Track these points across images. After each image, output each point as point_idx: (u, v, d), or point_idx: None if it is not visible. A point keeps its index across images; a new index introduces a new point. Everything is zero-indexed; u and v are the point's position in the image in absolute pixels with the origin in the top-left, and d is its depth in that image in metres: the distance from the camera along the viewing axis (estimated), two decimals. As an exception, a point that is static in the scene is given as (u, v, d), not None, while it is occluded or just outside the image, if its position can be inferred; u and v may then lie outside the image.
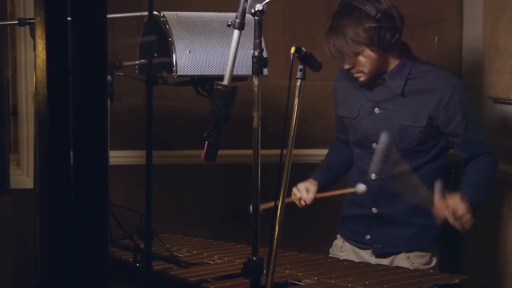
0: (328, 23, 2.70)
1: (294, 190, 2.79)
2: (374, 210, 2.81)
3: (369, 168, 2.78)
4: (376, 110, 2.77)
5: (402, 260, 2.77)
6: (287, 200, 2.56)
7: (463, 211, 2.56)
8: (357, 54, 2.66)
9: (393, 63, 2.73)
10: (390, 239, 2.77)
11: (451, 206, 2.56)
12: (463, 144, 2.73)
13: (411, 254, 2.77)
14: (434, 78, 2.72)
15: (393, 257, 2.79)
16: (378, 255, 2.80)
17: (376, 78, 2.74)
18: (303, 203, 2.77)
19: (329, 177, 2.94)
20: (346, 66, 2.70)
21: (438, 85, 2.70)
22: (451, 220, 2.57)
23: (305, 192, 2.78)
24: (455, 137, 2.73)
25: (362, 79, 2.73)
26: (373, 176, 2.78)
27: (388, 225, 2.78)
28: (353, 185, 2.87)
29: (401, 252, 2.78)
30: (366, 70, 2.70)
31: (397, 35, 2.65)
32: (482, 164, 2.74)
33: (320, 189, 2.82)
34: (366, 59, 2.67)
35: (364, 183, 2.80)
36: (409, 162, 2.75)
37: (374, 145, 2.78)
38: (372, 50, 2.65)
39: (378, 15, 2.62)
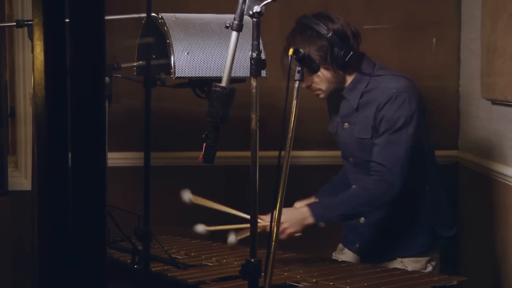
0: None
1: (297, 205, 2.78)
2: (362, 220, 2.84)
3: (352, 180, 2.84)
4: (346, 125, 2.81)
5: (397, 265, 2.77)
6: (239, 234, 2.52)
7: (285, 220, 2.55)
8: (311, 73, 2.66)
9: (350, 78, 2.75)
10: (379, 247, 2.79)
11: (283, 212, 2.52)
12: (374, 145, 2.70)
13: (405, 260, 2.78)
14: (381, 89, 2.71)
15: (386, 263, 2.79)
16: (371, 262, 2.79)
17: (335, 94, 2.76)
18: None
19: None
20: (303, 85, 2.70)
21: (379, 95, 2.69)
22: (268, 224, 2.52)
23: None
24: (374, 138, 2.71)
25: (321, 96, 2.78)
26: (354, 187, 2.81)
27: (378, 233, 2.80)
28: None
29: (395, 258, 2.79)
30: (323, 88, 2.73)
31: (351, 52, 2.65)
32: (363, 183, 2.70)
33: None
34: (320, 78, 2.70)
35: None
36: None
37: (350, 159, 2.83)
38: (326, 69, 2.68)
39: (330, 34, 2.63)
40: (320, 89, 2.74)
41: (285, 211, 2.50)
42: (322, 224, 2.64)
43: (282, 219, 2.47)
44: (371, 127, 2.70)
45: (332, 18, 2.68)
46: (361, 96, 2.73)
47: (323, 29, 2.64)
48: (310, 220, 2.60)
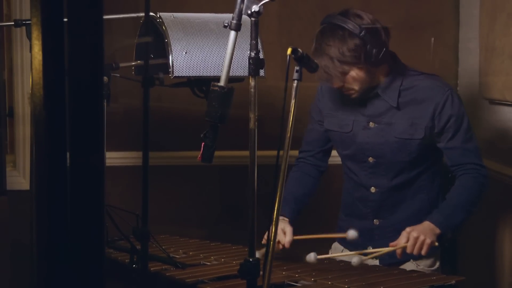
0: (312, 45, 2.65)
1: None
2: (376, 222, 2.79)
3: (367, 182, 2.77)
4: (371, 124, 2.73)
5: (410, 265, 2.74)
6: (261, 249, 2.30)
7: (418, 233, 2.52)
8: (344, 74, 2.61)
9: (384, 76, 2.70)
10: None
11: (407, 231, 2.54)
12: (448, 150, 2.70)
13: (418, 261, 2.75)
14: (427, 87, 2.68)
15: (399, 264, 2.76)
16: (385, 264, 2.77)
17: (368, 92, 2.70)
18: (280, 246, 2.61)
19: (297, 211, 2.80)
20: (336, 86, 2.66)
21: (432, 94, 2.66)
22: (408, 244, 2.52)
23: (282, 234, 2.61)
24: (441, 142, 2.69)
25: (354, 96, 2.69)
26: (372, 189, 2.78)
27: (391, 235, 2.70)
28: (346, 198, 2.88)
29: (409, 260, 2.75)
30: (356, 88, 2.66)
31: (384, 49, 2.60)
32: (463, 183, 2.68)
33: (292, 226, 2.68)
34: (354, 78, 2.62)
35: (363, 196, 2.79)
36: (408, 172, 2.73)
37: (370, 159, 2.76)
38: (359, 68, 2.61)
39: (362, 32, 2.56)
40: (353, 89, 2.66)
41: (412, 228, 2.52)
42: (436, 243, 2.57)
43: (415, 234, 2.50)
44: (425, 127, 2.66)
45: (360, 15, 2.60)
46: (399, 95, 2.68)
47: (354, 28, 2.56)
48: (437, 230, 2.55)
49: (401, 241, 2.53)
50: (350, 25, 2.57)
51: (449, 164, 2.73)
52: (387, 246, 2.66)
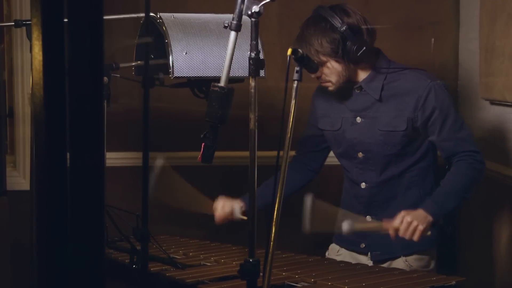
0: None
1: (215, 204, 2.82)
2: (368, 218, 2.81)
3: (358, 178, 2.81)
4: (358, 119, 2.78)
5: (401, 263, 2.77)
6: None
7: (412, 218, 2.53)
8: (321, 64, 2.67)
9: (365, 73, 2.75)
10: (387, 245, 2.76)
11: (401, 214, 2.55)
12: (440, 142, 2.72)
13: (409, 258, 2.77)
14: (410, 80, 2.72)
15: (390, 262, 2.78)
16: (376, 261, 2.80)
17: (347, 86, 2.74)
18: (216, 218, 2.80)
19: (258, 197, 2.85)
20: (313, 75, 2.70)
21: (414, 86, 2.70)
22: (401, 227, 2.54)
23: (220, 209, 2.80)
24: (432, 136, 2.72)
25: (330, 88, 2.75)
26: (363, 185, 2.80)
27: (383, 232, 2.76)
28: (345, 196, 2.91)
29: (399, 257, 2.78)
30: (333, 80, 2.72)
31: (363, 48, 2.65)
32: (457, 169, 2.69)
33: (246, 209, 2.73)
34: (331, 70, 2.69)
35: (356, 193, 2.82)
36: (396, 166, 2.76)
37: (359, 154, 2.80)
38: (337, 62, 2.68)
39: (343, 28, 2.63)
40: (329, 81, 2.72)
41: (406, 212, 2.54)
42: (428, 233, 2.58)
43: (409, 218, 2.52)
44: (407, 118, 2.69)
45: (348, 12, 2.67)
46: (382, 89, 2.72)
47: (337, 22, 2.63)
48: (430, 218, 2.57)
49: (395, 222, 2.55)
50: (334, 20, 2.64)
51: (443, 156, 2.75)
52: (381, 243, 2.70)
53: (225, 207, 2.79)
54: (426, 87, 2.68)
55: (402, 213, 2.55)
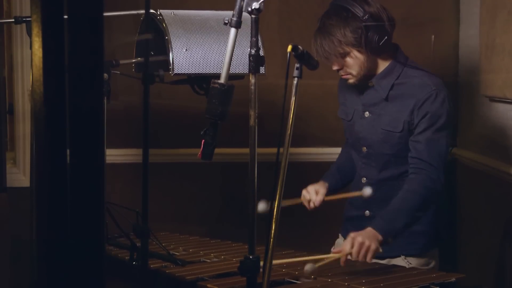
0: (317, 23, 2.70)
1: (304, 192, 2.77)
2: (367, 213, 2.81)
3: (360, 172, 2.81)
4: (366, 114, 2.77)
5: (400, 261, 2.75)
6: (297, 201, 2.69)
7: (363, 238, 2.47)
8: (344, 55, 2.65)
9: (383, 65, 2.72)
10: (387, 245, 2.75)
11: (351, 236, 2.49)
12: (412, 142, 2.66)
13: (409, 257, 2.76)
14: (417, 83, 2.68)
15: (388, 259, 2.78)
16: (375, 258, 2.77)
17: (366, 80, 2.72)
18: (312, 205, 2.75)
19: (340, 180, 2.92)
20: (334, 67, 2.69)
21: (417, 90, 2.66)
22: (353, 251, 2.46)
23: (314, 194, 2.75)
24: (411, 135, 2.67)
25: (351, 81, 2.72)
26: (363, 180, 2.80)
27: None
28: (352, 187, 2.89)
29: (399, 255, 2.76)
30: (354, 72, 2.69)
31: (385, 37, 2.63)
32: (409, 187, 2.63)
33: (330, 192, 2.79)
34: (353, 61, 2.66)
35: (358, 186, 2.80)
36: (396, 168, 2.74)
37: (363, 149, 2.79)
38: (359, 52, 2.64)
39: (366, 17, 2.61)
40: (351, 73, 2.69)
41: (356, 234, 2.48)
42: (390, 241, 2.55)
43: (360, 239, 2.46)
44: (404, 121, 2.67)
45: (368, 1, 2.65)
46: (392, 88, 2.70)
47: (359, 11, 2.61)
48: (379, 236, 2.51)
49: (346, 247, 2.48)
50: (356, 9, 2.62)
51: (409, 155, 2.69)
52: None
53: (319, 190, 2.77)
54: (427, 93, 2.64)
55: (352, 234, 2.49)
